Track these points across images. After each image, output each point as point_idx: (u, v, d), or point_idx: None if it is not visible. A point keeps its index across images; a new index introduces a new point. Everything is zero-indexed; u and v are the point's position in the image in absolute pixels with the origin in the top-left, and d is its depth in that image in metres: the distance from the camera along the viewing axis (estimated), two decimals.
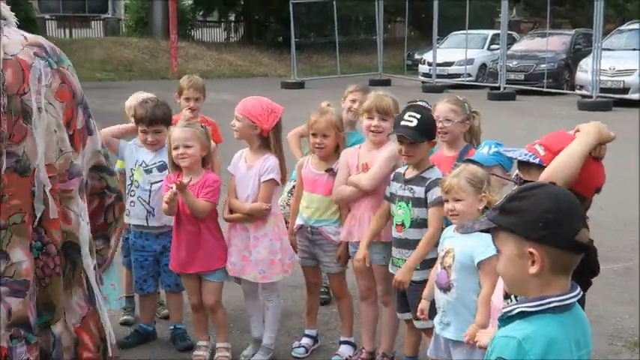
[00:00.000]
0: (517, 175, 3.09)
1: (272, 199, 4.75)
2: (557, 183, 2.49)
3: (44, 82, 2.33)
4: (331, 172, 4.76)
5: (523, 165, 2.99)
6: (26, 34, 2.38)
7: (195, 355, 4.90)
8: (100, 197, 2.64)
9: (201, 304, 4.89)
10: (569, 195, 2.15)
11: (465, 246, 3.77)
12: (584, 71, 19.41)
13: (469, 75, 23.69)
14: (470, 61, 23.64)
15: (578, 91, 19.67)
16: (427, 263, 4.21)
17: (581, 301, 2.16)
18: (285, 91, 21.25)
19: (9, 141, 2.23)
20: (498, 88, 20.82)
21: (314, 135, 4.76)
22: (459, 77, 23.46)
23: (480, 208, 3.79)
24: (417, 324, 4.36)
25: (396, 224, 4.36)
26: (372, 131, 4.63)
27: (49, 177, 2.33)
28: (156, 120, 5.00)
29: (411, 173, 4.35)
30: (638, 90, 18.81)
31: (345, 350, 4.94)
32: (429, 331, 4.20)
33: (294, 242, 4.96)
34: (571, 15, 32.89)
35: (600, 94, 18.32)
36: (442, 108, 4.61)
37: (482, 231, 2.15)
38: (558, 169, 2.83)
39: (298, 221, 4.90)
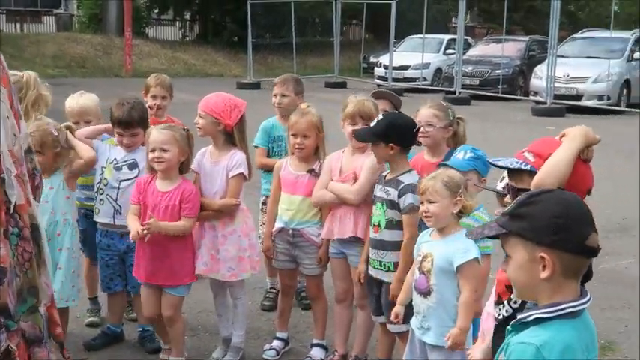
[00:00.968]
0: (508, 184, 3.08)
1: (240, 194, 4.68)
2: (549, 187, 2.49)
3: None
4: (313, 172, 4.71)
5: (514, 173, 2.99)
6: None
7: (163, 358, 4.80)
8: (32, 178, 2.74)
9: (158, 316, 4.68)
10: (578, 200, 2.18)
11: (444, 250, 3.77)
12: (539, 77, 19.70)
13: (425, 79, 23.89)
14: (426, 65, 23.84)
15: (532, 97, 19.93)
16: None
17: None
18: (240, 91, 21.11)
19: None
20: (454, 92, 20.99)
21: (294, 136, 4.71)
22: (415, 81, 23.65)
23: (455, 212, 3.79)
24: (391, 327, 4.32)
25: (374, 225, 4.33)
26: None
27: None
28: (132, 123, 4.83)
29: (390, 175, 4.32)
30: (590, 97, 19.14)
31: (316, 353, 4.89)
32: (404, 334, 4.18)
33: (271, 246, 4.89)
34: (525, 22, 33.41)
35: (554, 101, 18.58)
36: (425, 113, 4.56)
37: (491, 237, 2.15)
38: (549, 173, 2.84)
39: (278, 224, 4.81)
